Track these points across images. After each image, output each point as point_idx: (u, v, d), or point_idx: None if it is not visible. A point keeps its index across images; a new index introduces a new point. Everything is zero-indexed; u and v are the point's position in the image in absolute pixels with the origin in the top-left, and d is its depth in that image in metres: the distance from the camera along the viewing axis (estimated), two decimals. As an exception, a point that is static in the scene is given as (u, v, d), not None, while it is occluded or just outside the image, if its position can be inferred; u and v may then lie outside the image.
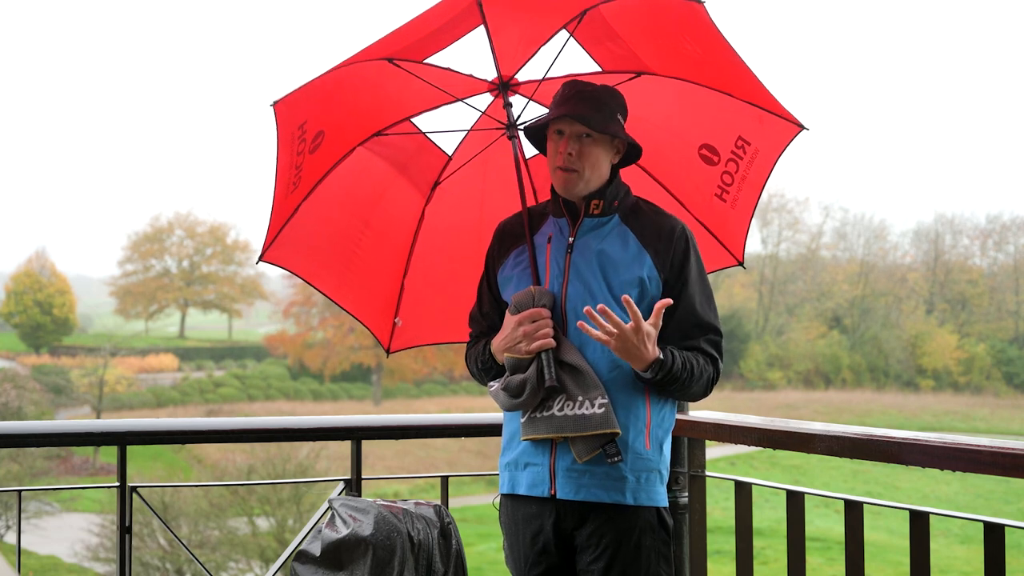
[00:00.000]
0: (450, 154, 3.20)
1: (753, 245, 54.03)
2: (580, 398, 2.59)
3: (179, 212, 58.59)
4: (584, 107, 2.65)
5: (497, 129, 3.08)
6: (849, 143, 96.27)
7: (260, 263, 3.01)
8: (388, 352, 3.30)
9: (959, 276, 53.00)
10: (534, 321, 2.63)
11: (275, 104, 2.64)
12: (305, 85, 2.66)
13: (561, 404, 2.60)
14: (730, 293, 52.07)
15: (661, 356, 2.56)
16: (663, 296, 2.67)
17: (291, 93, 2.65)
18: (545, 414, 2.62)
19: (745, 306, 52.15)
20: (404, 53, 2.79)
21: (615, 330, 2.50)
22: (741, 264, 3.11)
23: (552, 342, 2.62)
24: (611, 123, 2.67)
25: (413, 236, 3.21)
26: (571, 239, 2.73)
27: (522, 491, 2.73)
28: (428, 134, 3.15)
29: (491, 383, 2.78)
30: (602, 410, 2.57)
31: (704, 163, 3.02)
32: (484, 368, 2.80)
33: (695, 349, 2.67)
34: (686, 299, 2.67)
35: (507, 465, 2.78)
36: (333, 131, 2.91)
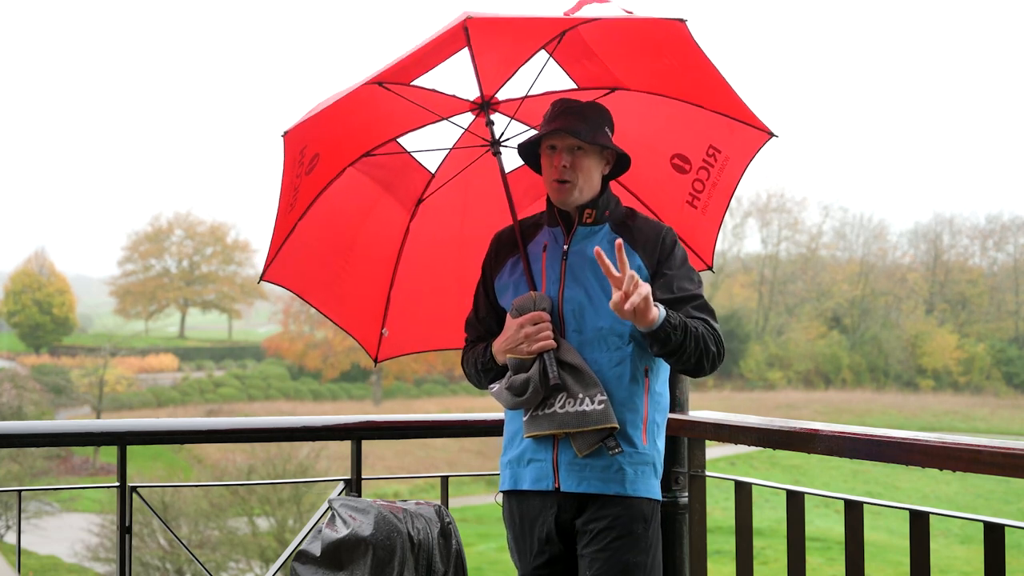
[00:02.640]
0: (433, 171, 3.32)
1: (753, 245, 54.20)
2: (580, 395, 2.72)
3: (179, 212, 58.68)
4: (574, 121, 2.80)
5: (480, 146, 3.19)
6: (848, 143, 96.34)
7: (261, 282, 3.15)
8: (376, 362, 3.42)
9: (959, 276, 53.05)
10: (535, 324, 2.76)
11: (284, 135, 2.75)
12: (312, 116, 2.77)
13: (563, 402, 2.73)
14: (730, 293, 52.11)
15: (661, 309, 2.62)
16: (651, 287, 2.75)
17: (298, 123, 2.76)
18: (547, 412, 2.75)
19: (745, 306, 52.21)
20: (392, 76, 2.89)
21: (630, 276, 2.52)
22: (710, 268, 3.24)
23: (553, 343, 2.74)
24: (600, 135, 2.82)
25: (399, 250, 3.34)
26: (565, 247, 2.87)
27: (527, 486, 2.84)
28: (413, 153, 3.27)
29: (492, 384, 2.90)
30: (601, 406, 2.70)
31: (676, 172, 3.15)
32: (484, 369, 2.91)
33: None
34: (666, 282, 2.80)
35: (509, 462, 2.89)
36: (327, 153, 3.03)
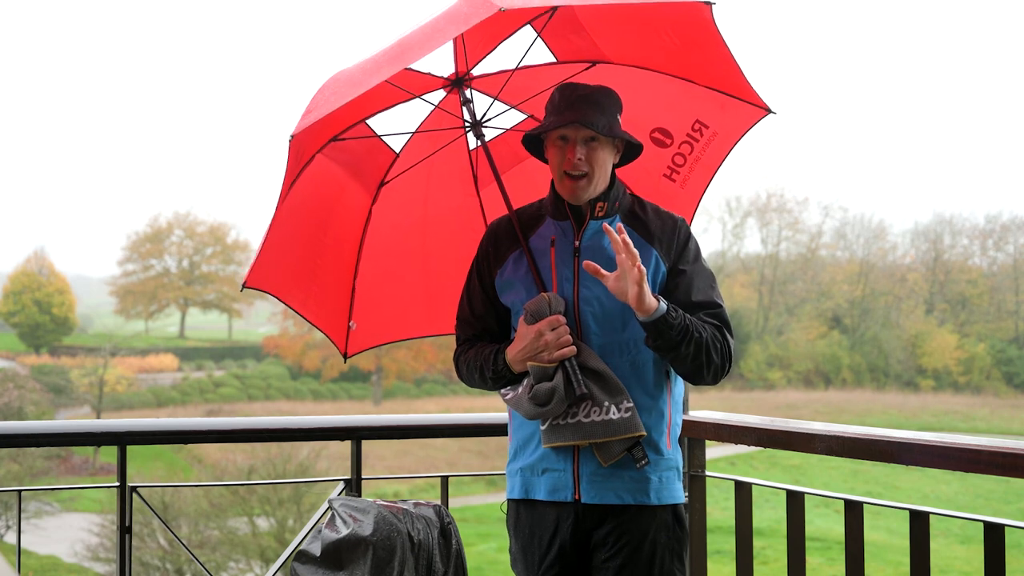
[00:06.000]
0: (397, 151, 3.19)
1: (753, 245, 54.10)
2: (606, 403, 2.59)
3: (178, 212, 58.63)
4: (589, 112, 2.65)
5: (455, 128, 3.08)
6: (848, 143, 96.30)
7: (244, 289, 2.94)
8: (346, 357, 3.26)
9: (959, 276, 52.99)
10: (553, 329, 2.60)
11: (291, 139, 2.60)
12: (322, 119, 2.61)
13: (587, 410, 2.60)
14: (730, 293, 52.03)
15: (662, 302, 2.55)
16: (667, 283, 2.70)
17: (307, 127, 2.60)
18: (570, 421, 2.61)
19: (745, 306, 52.15)
20: (406, 62, 2.77)
21: (631, 252, 2.49)
22: None
23: (575, 349, 2.61)
24: (614, 125, 2.69)
25: (361, 237, 3.19)
26: (577, 243, 2.72)
27: (541, 496, 2.72)
28: (383, 137, 3.14)
29: (506, 392, 2.75)
30: (628, 414, 2.58)
31: (655, 145, 3.10)
32: (495, 377, 2.74)
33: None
34: (684, 283, 2.69)
35: (521, 470, 2.77)
36: (305, 143, 2.89)
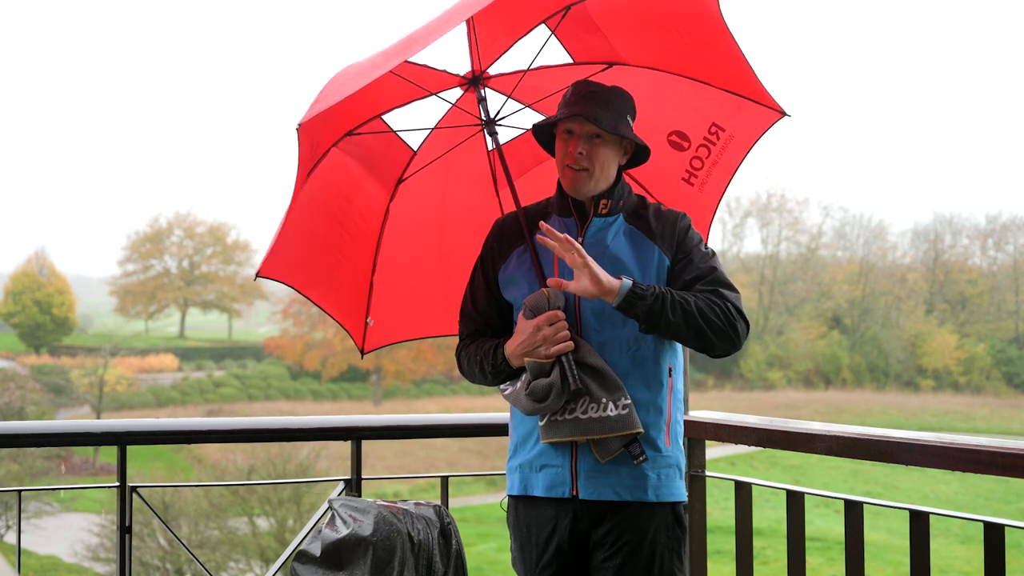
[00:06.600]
0: (415, 149, 3.20)
1: (753, 245, 54.13)
2: (604, 400, 2.60)
3: (179, 212, 58.65)
4: (596, 107, 2.67)
5: (471, 126, 3.09)
6: (848, 143, 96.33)
7: (257, 278, 2.98)
8: (363, 353, 3.28)
9: (959, 276, 52.99)
10: (551, 324, 2.62)
11: (299, 127, 2.62)
12: (328, 108, 2.62)
13: (585, 407, 2.61)
14: (730, 293, 51.89)
15: (625, 278, 2.57)
16: (669, 272, 2.71)
17: (314, 116, 2.61)
18: (568, 417, 2.63)
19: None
20: (410, 53, 2.79)
21: (566, 243, 2.54)
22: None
23: (572, 344, 2.62)
24: (621, 124, 2.70)
25: (379, 234, 3.21)
26: (580, 239, 2.74)
27: (539, 492, 2.73)
28: (399, 132, 3.15)
29: (505, 387, 2.77)
30: (626, 411, 2.59)
31: (673, 149, 3.09)
32: (494, 371, 2.76)
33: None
34: (681, 267, 2.71)
35: (520, 466, 2.78)
36: (319, 136, 2.91)
